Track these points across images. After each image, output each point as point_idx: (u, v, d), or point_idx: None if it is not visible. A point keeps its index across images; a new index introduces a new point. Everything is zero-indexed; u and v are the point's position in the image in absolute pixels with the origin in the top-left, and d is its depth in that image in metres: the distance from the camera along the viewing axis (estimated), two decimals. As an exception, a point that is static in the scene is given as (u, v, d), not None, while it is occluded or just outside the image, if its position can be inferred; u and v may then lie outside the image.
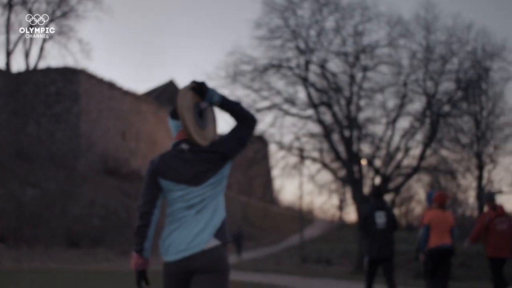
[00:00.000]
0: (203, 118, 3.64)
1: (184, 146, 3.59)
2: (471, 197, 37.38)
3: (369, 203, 9.17)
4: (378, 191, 9.29)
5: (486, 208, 10.21)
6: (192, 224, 3.50)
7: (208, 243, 3.47)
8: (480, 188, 36.05)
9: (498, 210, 9.88)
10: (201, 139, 3.58)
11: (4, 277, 14.66)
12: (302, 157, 28.27)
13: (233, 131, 3.66)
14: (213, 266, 3.47)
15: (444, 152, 28.72)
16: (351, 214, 57.66)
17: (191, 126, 3.54)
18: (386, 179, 26.84)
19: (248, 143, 3.69)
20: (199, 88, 3.61)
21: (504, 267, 9.86)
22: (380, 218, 8.87)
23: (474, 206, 35.33)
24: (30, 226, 26.82)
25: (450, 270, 9.33)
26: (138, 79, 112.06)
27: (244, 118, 3.65)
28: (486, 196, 10.39)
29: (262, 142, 32.05)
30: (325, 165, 27.87)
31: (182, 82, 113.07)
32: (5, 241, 25.32)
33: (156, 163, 3.59)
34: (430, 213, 9.14)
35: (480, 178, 34.76)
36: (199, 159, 3.55)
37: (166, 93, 50.65)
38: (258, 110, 27.51)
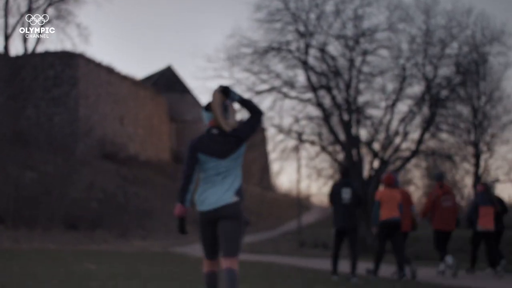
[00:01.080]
0: (227, 111, 5.15)
1: (215, 131, 5.10)
2: (467, 186, 37.28)
3: (337, 181, 10.63)
4: (346, 171, 10.69)
5: (435, 186, 11.73)
6: (220, 186, 5.02)
7: (231, 198, 5.00)
8: (476, 176, 36.06)
9: (445, 189, 11.37)
10: (226, 126, 5.07)
11: (3, 256, 14.72)
12: (300, 141, 28.25)
13: (247, 121, 5.18)
14: (233, 214, 5.01)
15: (443, 136, 28.73)
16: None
17: (220, 117, 5.06)
18: (384, 162, 26.88)
19: (257, 129, 5.22)
20: (225, 91, 5.12)
21: (449, 240, 11.48)
22: (346, 194, 10.21)
23: (471, 194, 35.23)
24: (28, 208, 26.85)
25: (402, 240, 10.74)
26: (136, 64, 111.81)
27: (255, 111, 5.17)
28: (435, 176, 11.87)
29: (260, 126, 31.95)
30: (323, 148, 27.88)
31: (181, 67, 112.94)
32: (4, 222, 25.37)
33: (195, 142, 5.10)
34: (380, 192, 10.62)
35: (477, 166, 34.79)
36: (224, 140, 5.06)
37: (164, 78, 50.45)
38: (258, 93, 27.42)
